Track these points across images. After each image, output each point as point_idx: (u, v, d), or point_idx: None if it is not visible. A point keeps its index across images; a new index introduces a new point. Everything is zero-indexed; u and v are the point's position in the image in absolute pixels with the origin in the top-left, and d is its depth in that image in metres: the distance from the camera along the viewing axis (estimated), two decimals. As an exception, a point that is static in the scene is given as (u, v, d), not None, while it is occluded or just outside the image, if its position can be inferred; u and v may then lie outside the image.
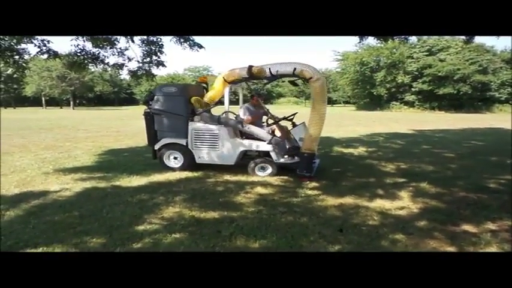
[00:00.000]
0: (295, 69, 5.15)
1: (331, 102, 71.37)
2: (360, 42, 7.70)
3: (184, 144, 5.88)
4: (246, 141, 5.66)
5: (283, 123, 6.19)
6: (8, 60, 6.57)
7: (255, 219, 3.60)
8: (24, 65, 6.99)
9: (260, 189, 4.78)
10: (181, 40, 7.67)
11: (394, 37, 7.55)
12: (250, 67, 5.41)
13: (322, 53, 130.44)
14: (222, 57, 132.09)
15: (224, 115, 5.79)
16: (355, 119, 22.42)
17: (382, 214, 3.80)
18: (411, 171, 6.09)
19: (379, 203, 4.18)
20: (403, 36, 7.52)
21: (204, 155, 5.85)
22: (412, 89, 39.16)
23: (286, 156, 5.62)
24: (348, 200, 4.31)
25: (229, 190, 4.74)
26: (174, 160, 6.06)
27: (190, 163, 5.91)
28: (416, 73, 38.57)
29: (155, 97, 6.05)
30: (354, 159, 7.37)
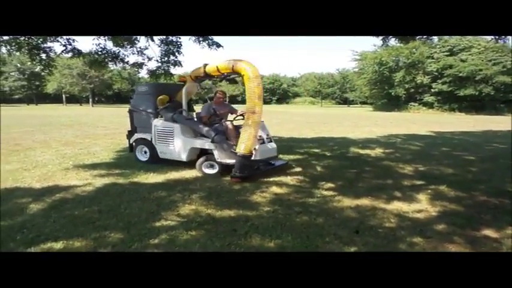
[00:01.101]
0: (233, 66, 5.24)
1: (347, 102, 70.76)
2: (383, 44, 7.61)
3: (149, 139, 6.30)
4: (196, 139, 5.81)
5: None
6: (35, 58, 6.77)
7: (270, 219, 3.60)
8: (50, 63, 7.19)
9: (276, 189, 4.78)
10: (200, 39, 7.73)
11: (416, 37, 7.43)
12: (204, 65, 5.66)
13: (340, 52, 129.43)
14: (239, 55, 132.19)
15: (177, 113, 5.97)
16: (372, 120, 22.13)
17: (399, 216, 3.74)
18: (430, 173, 5.98)
19: (397, 205, 4.12)
20: (424, 36, 7.39)
21: (164, 150, 6.16)
22: (432, 90, 38.37)
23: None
24: (365, 201, 4.27)
25: (245, 189, 4.75)
26: (144, 154, 6.55)
27: (155, 157, 6.28)
28: (436, 74, 37.79)
29: (134, 95, 6.60)
30: (370, 160, 7.29)
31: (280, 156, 7.32)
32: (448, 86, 36.49)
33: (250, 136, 5.07)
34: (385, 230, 3.36)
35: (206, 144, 5.61)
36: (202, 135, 5.72)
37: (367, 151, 8.44)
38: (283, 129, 14.54)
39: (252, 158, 5.28)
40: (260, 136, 5.57)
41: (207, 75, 5.83)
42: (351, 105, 67.94)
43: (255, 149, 5.35)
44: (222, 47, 8.06)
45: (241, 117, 5.86)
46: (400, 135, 12.38)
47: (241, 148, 5.08)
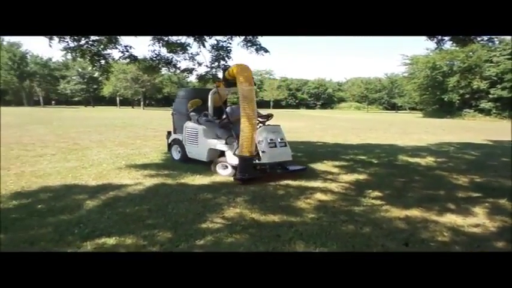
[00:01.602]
0: (230, 71, 5.57)
1: (395, 108, 68.21)
2: (437, 48, 7.27)
3: (181, 140, 6.77)
4: (213, 141, 6.11)
5: None
6: (95, 64, 7.26)
7: (314, 226, 3.55)
8: (108, 68, 7.67)
9: (320, 196, 4.71)
10: (248, 44, 7.85)
11: (476, 39, 7.02)
12: (224, 70, 6.00)
13: (389, 57, 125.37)
14: (284, 59, 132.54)
15: (202, 116, 6.32)
16: (422, 126, 21.13)
17: (453, 230, 3.53)
18: (487, 185, 5.58)
19: (450, 218, 3.88)
20: (486, 38, 6.96)
21: (190, 150, 6.60)
22: (490, 96, 35.86)
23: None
24: (415, 212, 4.08)
25: (289, 194, 4.73)
26: (177, 153, 7.04)
27: (185, 157, 6.74)
28: (495, 78, 35.28)
29: (175, 99, 7.20)
30: (420, 169, 6.95)
31: (325, 162, 7.24)
32: (508, 91, 33.91)
33: (246, 138, 5.19)
34: (438, 244, 3.19)
35: (220, 145, 5.90)
36: (219, 137, 6.07)
37: (417, 159, 8.06)
38: (328, 135, 14.31)
39: (261, 161, 5.47)
40: (271, 139, 5.60)
41: (226, 80, 6.11)
42: (399, 111, 65.42)
43: (263, 151, 5.47)
44: (269, 52, 8.13)
45: (262, 120, 6.10)
46: (453, 144, 11.70)
47: (239, 150, 5.28)
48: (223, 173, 5.79)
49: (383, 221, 3.75)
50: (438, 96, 40.46)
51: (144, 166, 6.50)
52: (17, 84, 56.05)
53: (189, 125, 6.58)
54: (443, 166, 7.31)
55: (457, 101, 38.64)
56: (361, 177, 6.01)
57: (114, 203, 4.19)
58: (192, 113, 6.53)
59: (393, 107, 69.53)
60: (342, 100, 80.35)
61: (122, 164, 6.66)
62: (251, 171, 5.34)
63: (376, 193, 4.90)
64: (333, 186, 5.27)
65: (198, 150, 6.39)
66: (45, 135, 11.87)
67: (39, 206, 4.02)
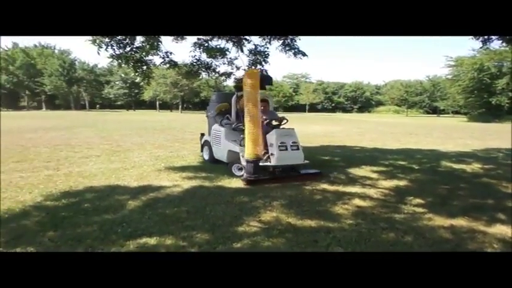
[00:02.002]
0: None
1: (437, 111, 65.42)
2: (482, 47, 6.91)
3: (210, 141, 7.11)
4: (231, 143, 6.29)
5: None
6: (138, 70, 7.57)
7: (353, 232, 3.47)
8: (149, 74, 7.97)
9: (358, 201, 4.60)
10: (287, 48, 7.86)
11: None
12: (237, 80, 6.36)
13: (431, 58, 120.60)
14: (322, 62, 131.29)
15: (225, 119, 6.66)
16: (467, 131, 20.08)
17: (504, 242, 3.31)
18: (542, 195, 5.20)
19: (500, 229, 3.65)
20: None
21: (216, 151, 6.91)
22: (543, 99, 33.50)
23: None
24: (460, 222, 3.87)
25: (327, 199, 4.66)
26: (207, 154, 7.38)
27: (211, 157, 7.09)
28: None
29: (209, 103, 7.53)
30: (466, 176, 6.60)
31: (363, 167, 7.07)
32: None
33: (251, 140, 5.38)
34: (510, 248, 3.02)
35: (237, 147, 6.07)
36: (234, 140, 6.26)
37: (462, 166, 7.67)
38: (365, 139, 13.97)
39: (270, 164, 5.58)
40: (283, 142, 5.58)
41: (240, 88, 6.18)
42: (440, 115, 62.63)
43: (272, 154, 5.56)
44: (307, 56, 8.07)
45: (275, 123, 6.16)
46: (502, 150, 10.99)
47: (246, 153, 5.46)
48: (239, 174, 5.91)
49: (426, 230, 3.59)
50: (485, 100, 38.38)
51: (182, 168, 6.67)
52: (66, 90, 59.54)
53: (215, 127, 6.90)
54: (491, 173, 6.89)
55: (506, 104, 36.38)
56: (402, 183, 5.80)
57: (154, 204, 4.32)
58: (216, 116, 6.89)
59: (434, 111, 66.72)
60: (380, 103, 78.29)
61: (161, 166, 6.87)
62: (258, 172, 5.45)
63: (418, 200, 4.71)
64: (371, 192, 5.13)
65: (221, 151, 6.67)
66: (91, 137, 12.51)
67: (86, 205, 4.24)
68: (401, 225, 3.71)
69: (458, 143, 13.26)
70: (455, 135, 17.37)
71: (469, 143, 13.10)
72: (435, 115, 62.99)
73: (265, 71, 8.31)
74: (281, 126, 6.19)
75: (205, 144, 7.46)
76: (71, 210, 4.00)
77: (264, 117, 6.07)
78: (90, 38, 6.33)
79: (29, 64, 60.21)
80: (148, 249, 3.03)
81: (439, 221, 3.88)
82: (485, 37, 6.83)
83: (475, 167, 7.60)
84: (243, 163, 5.73)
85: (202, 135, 7.80)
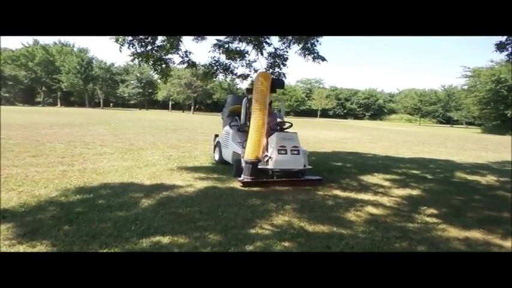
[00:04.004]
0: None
1: (450, 122, 64.54)
2: (509, 60, 6.84)
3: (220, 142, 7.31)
4: (235, 145, 6.36)
5: None
6: (157, 68, 7.66)
7: (366, 240, 3.44)
8: (168, 72, 8.07)
9: (371, 209, 4.56)
10: (306, 52, 7.86)
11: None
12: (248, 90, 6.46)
13: (447, 68, 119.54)
14: (337, 69, 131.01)
15: (233, 121, 6.80)
16: (481, 143, 19.74)
17: (520, 257, 3.25)
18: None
19: (517, 244, 3.58)
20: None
21: (224, 152, 7.03)
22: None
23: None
24: (475, 234, 3.80)
25: (339, 205, 4.63)
26: (217, 154, 7.51)
27: (221, 158, 7.25)
28: None
29: (225, 105, 7.73)
30: (480, 188, 6.49)
31: (375, 174, 7.01)
32: None
33: (252, 142, 5.38)
34: (510, 248, 2.97)
35: (239, 149, 6.08)
36: (239, 142, 6.33)
37: (477, 177, 7.54)
38: (378, 147, 13.85)
39: (267, 167, 5.56)
40: (283, 146, 5.56)
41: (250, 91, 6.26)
42: (454, 125, 61.75)
43: (270, 157, 5.55)
44: (327, 61, 8.04)
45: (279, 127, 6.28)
46: (518, 163, 10.79)
47: (246, 154, 5.44)
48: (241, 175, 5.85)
49: (440, 241, 3.54)
50: (501, 112, 37.71)
51: (195, 169, 6.71)
52: (82, 87, 60.44)
53: (225, 129, 7.05)
54: (506, 186, 6.77)
55: (523, 117, 35.75)
56: (415, 192, 5.74)
57: (167, 203, 4.35)
58: (228, 118, 7.04)
59: (448, 121, 65.83)
60: (392, 111, 77.68)
61: (174, 166, 6.92)
62: (256, 174, 5.43)
63: (432, 210, 4.65)
64: (384, 200, 5.09)
65: (228, 152, 6.74)
66: (105, 135, 12.67)
67: (100, 201, 4.29)
68: (414, 235, 3.66)
69: (472, 154, 13.06)
70: (469, 146, 17.10)
71: (484, 155, 12.90)
72: (448, 125, 62.13)
73: (283, 74, 8.31)
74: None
75: (217, 145, 7.58)
76: (86, 206, 4.05)
77: (269, 119, 6.03)
78: (113, 36, 6.43)
79: (47, 61, 61.36)
80: (161, 247, 3.05)
81: (454, 232, 3.82)
82: (510, 49, 6.78)
83: (490, 179, 7.47)
84: (243, 164, 5.68)
85: (216, 136, 7.92)
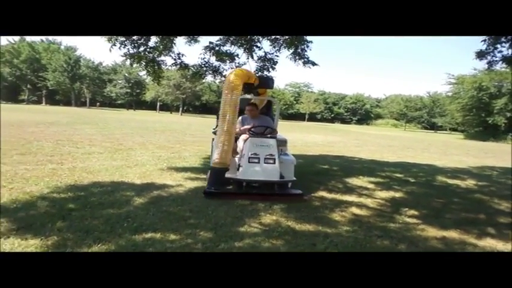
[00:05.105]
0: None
1: (434, 127, 65.92)
2: (488, 69, 7.17)
3: None
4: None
5: None
6: (149, 69, 7.75)
7: (349, 238, 3.61)
8: (160, 74, 8.15)
9: (355, 210, 4.75)
10: (296, 57, 8.04)
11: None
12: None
13: (433, 75, 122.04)
14: (326, 74, 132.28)
15: None
16: (463, 149, 20.31)
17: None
18: (532, 213, 5.36)
19: (490, 243, 3.78)
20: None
21: (212, 155, 6.45)
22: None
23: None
24: (452, 234, 4.02)
25: (324, 206, 4.81)
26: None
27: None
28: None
29: None
30: (460, 191, 6.77)
31: (360, 177, 7.23)
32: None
33: (220, 147, 4.78)
34: (510, 248, 3.17)
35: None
36: None
37: (457, 181, 7.84)
38: (364, 151, 14.16)
39: (236, 177, 4.94)
40: (255, 154, 4.91)
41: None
42: (438, 131, 63.08)
43: (239, 166, 5.04)
44: (318, 65, 8.24)
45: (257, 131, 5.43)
46: (496, 168, 11.20)
47: (212, 160, 4.84)
48: None
49: (419, 240, 3.74)
50: (483, 118, 38.82)
51: (185, 169, 6.81)
52: (68, 86, 59.63)
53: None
54: (484, 190, 7.06)
55: (503, 124, 36.80)
56: (397, 194, 5.96)
57: (158, 202, 4.45)
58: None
59: (432, 127, 67.24)
60: (379, 116, 78.90)
61: (164, 166, 7.00)
62: (222, 184, 4.84)
63: (413, 212, 4.86)
64: (368, 201, 5.28)
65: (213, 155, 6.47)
66: (92, 134, 12.62)
67: (91, 199, 4.36)
68: (395, 234, 3.86)
69: (454, 159, 13.46)
70: (451, 151, 17.59)
71: (465, 160, 13.31)
72: (432, 131, 63.42)
73: (271, 77, 8.44)
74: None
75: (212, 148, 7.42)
76: (78, 203, 4.13)
77: (250, 123, 5.61)
78: (109, 36, 6.52)
79: (33, 58, 60.44)
80: (154, 242, 3.16)
81: (432, 232, 4.03)
82: (490, 58, 7.10)
83: (469, 183, 7.77)
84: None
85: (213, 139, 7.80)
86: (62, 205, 4.03)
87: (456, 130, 55.31)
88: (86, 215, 3.74)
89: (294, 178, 5.16)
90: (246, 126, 5.55)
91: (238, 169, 5.08)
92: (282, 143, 5.81)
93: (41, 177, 5.30)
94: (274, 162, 4.95)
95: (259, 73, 8.20)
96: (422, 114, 67.39)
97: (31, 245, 2.93)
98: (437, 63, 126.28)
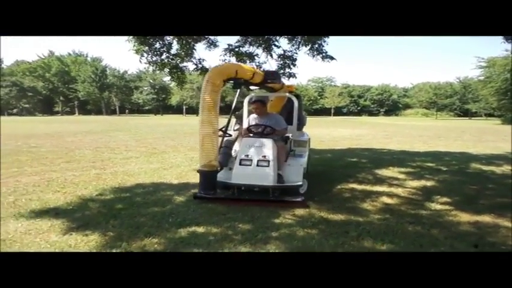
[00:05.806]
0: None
1: (469, 114, 63.46)
2: None
3: None
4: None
5: None
6: (173, 75, 8.13)
7: (381, 225, 3.75)
8: (184, 79, 8.52)
9: (386, 199, 4.86)
10: (315, 53, 8.17)
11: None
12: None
13: (460, 60, 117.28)
14: (348, 66, 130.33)
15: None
16: (500, 134, 19.56)
17: (527, 236, 3.51)
18: None
19: (525, 225, 3.83)
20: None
21: None
22: None
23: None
24: (486, 218, 4.07)
25: (355, 197, 4.95)
26: None
27: None
28: None
29: None
30: (495, 177, 6.67)
31: (390, 168, 7.26)
32: None
33: (203, 146, 4.40)
34: (510, 248, 3.22)
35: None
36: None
37: (492, 167, 7.70)
38: (393, 142, 14.02)
39: (225, 181, 4.62)
40: (247, 156, 4.61)
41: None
42: (472, 118, 60.65)
43: (230, 168, 4.78)
44: (336, 59, 8.34)
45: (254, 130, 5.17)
46: (535, 153, 10.82)
47: (201, 162, 4.45)
48: None
49: (451, 224, 3.83)
50: (519, 101, 37.07)
51: (217, 168, 7.09)
52: (98, 95, 62.10)
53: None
54: (521, 175, 6.93)
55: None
56: (429, 183, 5.98)
57: (196, 199, 4.74)
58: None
59: (466, 114, 64.72)
60: (407, 106, 76.79)
61: (197, 167, 7.29)
62: (212, 188, 4.46)
63: (445, 199, 4.90)
64: (399, 191, 5.36)
65: None
66: (127, 140, 13.23)
67: (137, 199, 4.72)
68: (427, 220, 3.96)
69: (489, 145, 13.08)
70: (487, 137, 17.04)
71: (502, 146, 12.89)
72: (467, 118, 61.13)
73: (294, 74, 8.58)
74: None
75: None
76: (125, 203, 4.49)
77: (255, 122, 5.32)
78: (133, 47, 6.91)
79: (63, 71, 63.41)
80: (197, 235, 3.43)
81: (465, 217, 4.09)
82: None
83: (505, 168, 7.62)
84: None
85: None
86: (111, 205, 4.40)
87: (492, 115, 53.12)
88: (134, 213, 4.08)
89: (300, 182, 4.66)
90: (245, 126, 5.35)
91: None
92: (301, 143, 5.60)
93: (88, 182, 5.74)
94: (268, 165, 4.52)
95: (282, 71, 8.35)
96: (454, 101, 64.97)
97: (91, 240, 3.27)
98: (461, 49, 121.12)
